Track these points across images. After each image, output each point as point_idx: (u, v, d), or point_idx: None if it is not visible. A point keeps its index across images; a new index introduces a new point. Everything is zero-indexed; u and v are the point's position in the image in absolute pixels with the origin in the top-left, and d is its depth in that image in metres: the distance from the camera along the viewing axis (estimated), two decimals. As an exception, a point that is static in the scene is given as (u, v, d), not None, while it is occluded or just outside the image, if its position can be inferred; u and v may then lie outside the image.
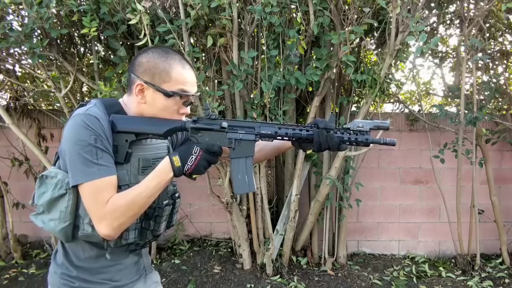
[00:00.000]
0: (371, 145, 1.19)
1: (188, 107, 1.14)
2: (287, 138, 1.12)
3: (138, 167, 1.10)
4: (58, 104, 3.25)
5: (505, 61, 3.41)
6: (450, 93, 3.45)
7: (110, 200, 0.98)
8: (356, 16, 2.61)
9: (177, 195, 1.24)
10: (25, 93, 3.30)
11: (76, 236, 1.06)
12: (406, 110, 3.61)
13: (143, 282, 1.23)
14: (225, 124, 1.09)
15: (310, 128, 1.12)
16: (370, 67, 2.91)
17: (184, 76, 1.10)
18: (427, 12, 3.05)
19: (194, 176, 1.07)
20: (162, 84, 1.07)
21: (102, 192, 0.98)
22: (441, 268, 3.35)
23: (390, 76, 3.04)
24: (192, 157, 1.02)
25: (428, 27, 3.15)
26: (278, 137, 1.12)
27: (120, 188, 1.03)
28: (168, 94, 1.07)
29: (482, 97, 3.42)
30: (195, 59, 2.63)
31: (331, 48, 2.88)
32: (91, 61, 3.11)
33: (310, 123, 1.15)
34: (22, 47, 2.59)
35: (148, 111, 1.09)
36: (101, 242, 1.06)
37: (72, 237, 1.07)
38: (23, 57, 2.90)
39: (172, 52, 1.11)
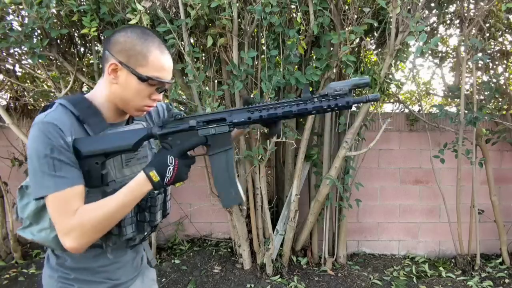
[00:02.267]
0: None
1: (161, 94, 1.09)
2: (262, 121, 1.04)
3: (121, 161, 1.07)
4: (58, 104, 3.24)
5: (505, 61, 3.41)
6: (450, 93, 3.45)
7: (78, 213, 0.93)
8: (356, 16, 2.61)
9: None
10: (25, 93, 3.30)
11: None
12: (406, 110, 3.61)
13: (141, 280, 1.21)
14: (193, 122, 1.02)
15: (285, 105, 1.02)
16: (370, 67, 2.91)
17: (162, 62, 1.04)
18: (427, 12, 3.05)
19: (177, 185, 1.03)
20: (137, 67, 1.01)
21: (64, 205, 0.93)
22: (441, 268, 3.35)
23: (390, 76, 3.04)
24: (169, 168, 0.97)
25: (428, 27, 3.15)
26: (254, 122, 1.04)
27: (107, 185, 1.00)
28: (143, 79, 1.01)
29: (482, 97, 3.42)
30: (195, 59, 2.63)
31: (331, 48, 2.88)
32: (91, 61, 3.11)
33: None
34: (22, 47, 2.59)
35: (119, 92, 1.04)
36: (99, 242, 1.03)
37: None
38: (23, 57, 2.90)
39: (152, 35, 1.05)
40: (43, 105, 3.45)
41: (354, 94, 1.05)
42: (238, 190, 1.05)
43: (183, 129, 1.02)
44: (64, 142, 0.95)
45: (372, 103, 2.94)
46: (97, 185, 1.00)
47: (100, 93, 1.08)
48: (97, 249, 1.06)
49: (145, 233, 1.13)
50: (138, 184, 0.97)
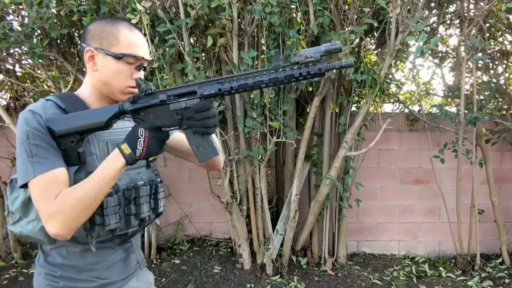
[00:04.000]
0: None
1: (141, 72, 1.11)
2: (234, 92, 1.01)
3: (107, 152, 1.06)
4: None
5: (505, 61, 3.41)
6: (450, 93, 3.45)
7: (58, 196, 0.94)
8: (356, 16, 2.61)
9: (159, 180, 1.20)
10: (25, 93, 3.30)
11: None
12: (406, 110, 3.61)
13: (136, 281, 1.20)
14: (163, 96, 1.00)
15: (256, 74, 0.99)
16: (370, 67, 2.91)
17: (132, 39, 1.08)
18: (427, 12, 3.05)
19: (151, 158, 1.01)
20: (110, 47, 1.05)
21: (45, 189, 0.94)
22: (441, 268, 3.35)
23: (390, 76, 3.04)
24: (140, 140, 0.97)
25: (428, 27, 3.15)
26: (225, 94, 1.00)
27: (90, 174, 0.99)
28: (117, 57, 1.05)
29: (482, 97, 3.42)
30: (195, 59, 2.63)
31: (331, 48, 2.87)
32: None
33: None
34: (22, 47, 2.60)
35: (100, 78, 1.07)
36: (84, 236, 1.03)
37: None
38: (23, 57, 2.90)
39: (121, 19, 1.10)
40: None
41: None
42: (212, 144, 1.02)
43: (154, 103, 1.01)
44: (41, 126, 0.97)
45: (373, 103, 2.94)
46: (75, 164, 1.01)
47: (85, 86, 1.11)
48: (84, 245, 1.05)
49: (133, 228, 1.12)
50: (111, 158, 0.98)
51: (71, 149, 1.00)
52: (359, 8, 2.60)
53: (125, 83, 1.08)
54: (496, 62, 3.42)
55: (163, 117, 1.00)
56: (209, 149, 1.01)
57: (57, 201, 0.93)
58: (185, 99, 1.00)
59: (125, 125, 1.15)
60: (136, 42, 1.08)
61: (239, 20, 2.61)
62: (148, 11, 2.49)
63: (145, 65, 1.11)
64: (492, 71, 3.41)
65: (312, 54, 0.96)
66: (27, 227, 1.02)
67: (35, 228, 1.01)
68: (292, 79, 0.98)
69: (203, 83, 1.01)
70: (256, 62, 2.80)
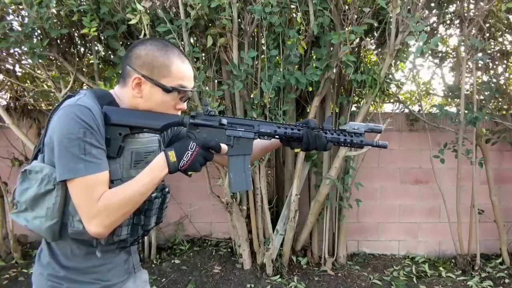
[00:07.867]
0: (365, 147, 1.23)
1: (185, 103, 1.12)
2: (284, 137, 1.15)
3: (130, 161, 1.06)
4: (58, 104, 3.24)
5: (505, 61, 3.41)
6: (450, 93, 3.45)
7: (102, 197, 0.94)
8: (356, 16, 2.61)
9: (167, 189, 1.21)
10: (25, 93, 3.30)
11: (63, 235, 1.01)
12: (406, 110, 3.61)
13: (133, 282, 1.20)
14: (224, 121, 1.07)
15: (302, 128, 1.15)
16: (370, 67, 2.91)
17: (184, 71, 1.07)
18: (427, 12, 3.05)
19: (189, 172, 1.03)
20: (161, 79, 1.03)
21: (91, 189, 0.94)
22: (441, 268, 3.35)
23: (390, 76, 3.04)
24: (188, 153, 0.99)
25: (428, 27, 3.15)
26: (276, 136, 1.14)
27: (112, 182, 1.00)
28: (167, 90, 1.04)
29: (482, 97, 3.42)
30: (195, 59, 2.63)
31: (331, 48, 2.88)
32: (91, 61, 3.11)
33: (301, 122, 1.17)
34: (22, 47, 2.59)
35: (143, 105, 1.06)
36: (91, 240, 1.01)
37: (59, 235, 1.02)
38: (23, 57, 2.90)
39: (171, 45, 1.08)
40: (43, 105, 3.47)
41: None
42: (249, 177, 1.12)
43: (213, 125, 1.07)
44: (97, 126, 0.97)
45: (373, 103, 2.94)
46: (113, 156, 1.01)
47: (123, 99, 1.08)
48: (89, 247, 1.05)
49: (137, 237, 1.12)
50: (157, 163, 0.99)
51: (115, 140, 1.01)
52: (359, 8, 2.60)
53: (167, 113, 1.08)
54: (496, 62, 3.41)
55: (216, 139, 1.06)
56: (245, 181, 1.11)
57: (100, 202, 0.94)
58: (242, 129, 1.11)
59: (149, 136, 1.15)
60: (187, 74, 1.08)
61: (239, 20, 2.61)
62: (148, 11, 2.49)
63: (190, 96, 1.13)
64: (492, 71, 3.41)
65: (358, 127, 1.17)
66: (33, 222, 1.00)
67: (42, 226, 0.99)
68: (336, 142, 1.17)
69: (262, 122, 1.14)
70: (256, 62, 2.80)
